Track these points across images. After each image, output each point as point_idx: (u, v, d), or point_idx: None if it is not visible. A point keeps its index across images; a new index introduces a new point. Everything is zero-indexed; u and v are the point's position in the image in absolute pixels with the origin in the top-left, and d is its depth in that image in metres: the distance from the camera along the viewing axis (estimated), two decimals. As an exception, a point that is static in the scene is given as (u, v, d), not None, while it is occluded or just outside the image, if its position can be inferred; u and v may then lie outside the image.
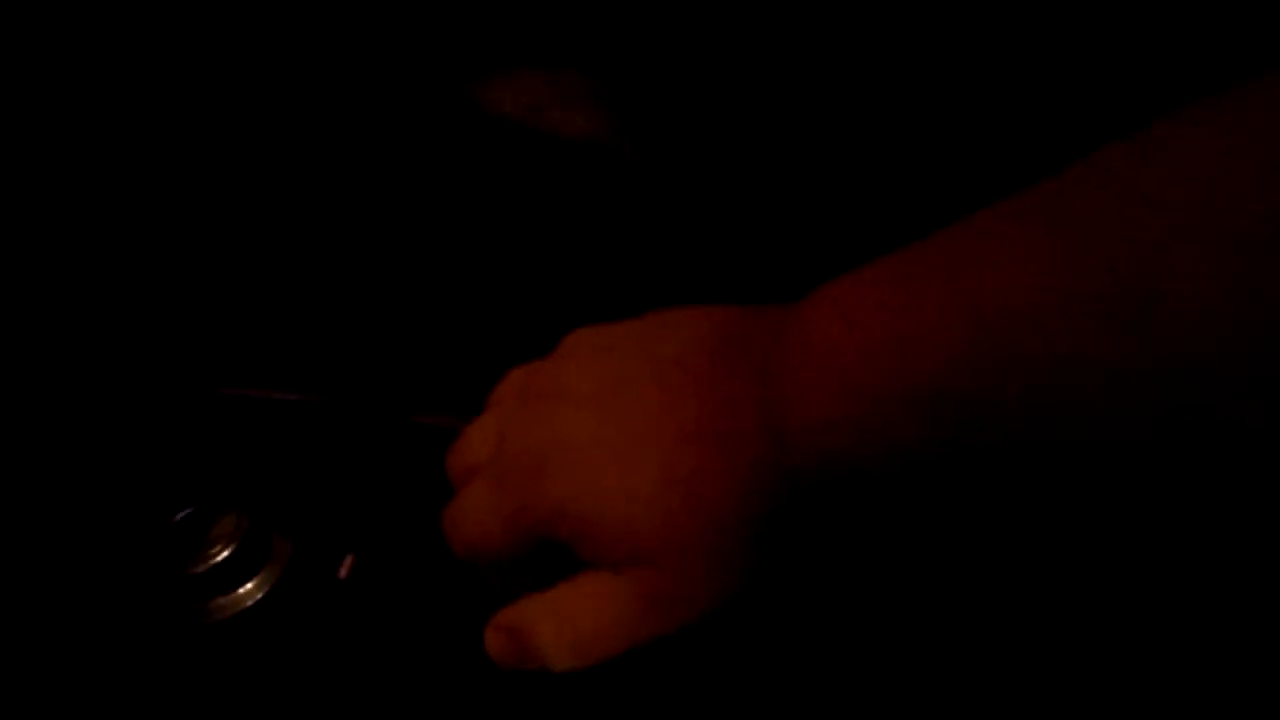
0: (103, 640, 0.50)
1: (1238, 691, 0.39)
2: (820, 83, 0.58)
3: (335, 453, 0.59)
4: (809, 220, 0.60)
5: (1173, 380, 0.22)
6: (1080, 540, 0.45)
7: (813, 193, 0.61)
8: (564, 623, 0.35)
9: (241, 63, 0.65)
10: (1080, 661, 0.43)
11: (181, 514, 0.51)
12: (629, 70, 0.67)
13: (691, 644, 0.44)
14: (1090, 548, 0.42)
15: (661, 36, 0.62)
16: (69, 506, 0.55)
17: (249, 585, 0.52)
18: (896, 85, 0.57)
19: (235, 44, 0.64)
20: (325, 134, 0.65)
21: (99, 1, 0.61)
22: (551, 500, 0.34)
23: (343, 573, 0.53)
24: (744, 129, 0.64)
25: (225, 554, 0.49)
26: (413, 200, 0.65)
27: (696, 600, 0.33)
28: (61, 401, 0.59)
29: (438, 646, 0.50)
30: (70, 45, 0.62)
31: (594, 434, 0.34)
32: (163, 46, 0.64)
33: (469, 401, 0.49)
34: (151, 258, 0.64)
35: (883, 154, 0.58)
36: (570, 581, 0.35)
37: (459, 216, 0.64)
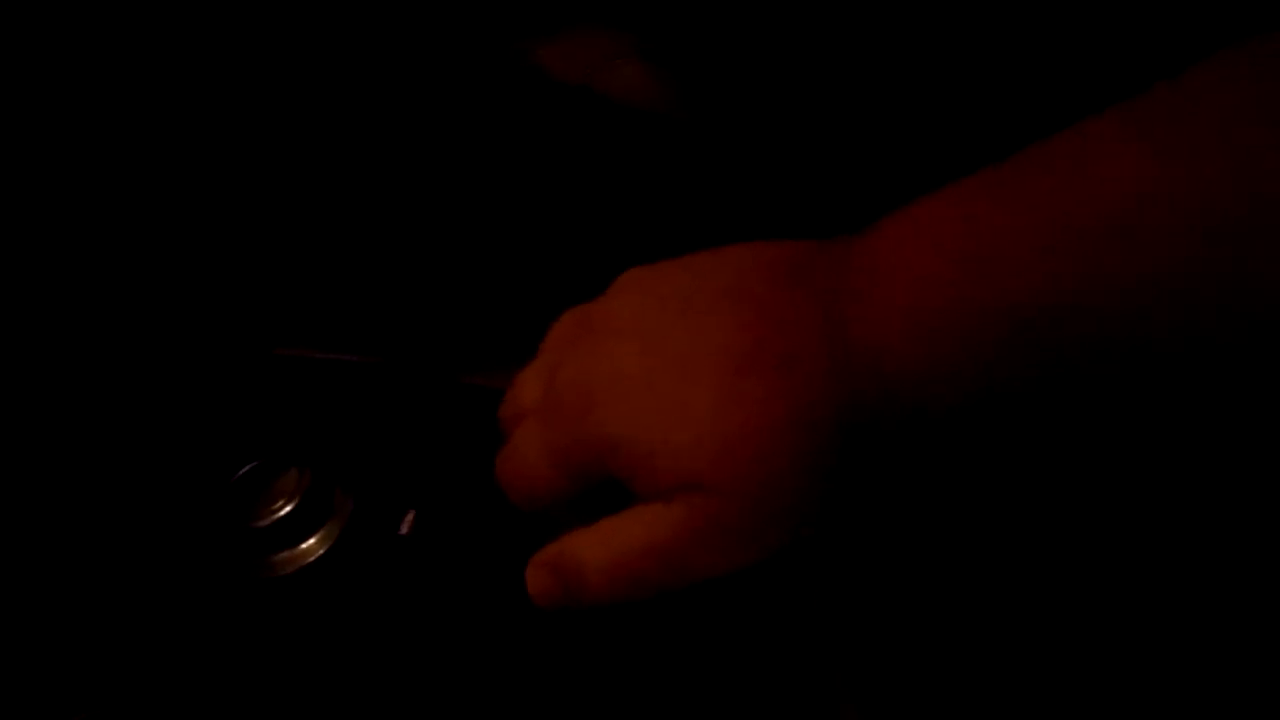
0: (167, 593, 0.51)
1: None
2: (868, 45, 0.56)
3: (392, 412, 0.59)
4: (858, 180, 0.58)
5: (1275, 294, 0.21)
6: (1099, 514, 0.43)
7: (859, 154, 0.59)
8: (608, 547, 0.33)
9: (298, 27, 0.64)
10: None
11: (244, 469, 0.52)
12: (679, 28, 0.65)
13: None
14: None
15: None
16: (132, 463, 0.57)
17: (311, 540, 0.52)
18: (940, 55, 0.55)
19: (293, 8, 0.64)
20: (380, 97, 0.64)
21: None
22: (602, 432, 0.32)
23: (404, 529, 0.54)
24: (794, 90, 0.62)
25: (288, 509, 0.50)
26: (466, 164, 0.64)
27: (750, 536, 0.31)
28: (124, 361, 0.61)
29: (497, 604, 0.50)
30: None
31: (645, 363, 0.32)
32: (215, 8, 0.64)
33: (520, 361, 0.49)
34: (209, 222, 0.64)
35: (930, 115, 0.56)
36: (619, 514, 0.33)
37: (512, 180, 0.64)
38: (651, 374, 0.32)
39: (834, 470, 0.30)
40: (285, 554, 0.52)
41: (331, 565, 0.52)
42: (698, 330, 0.32)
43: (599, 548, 0.34)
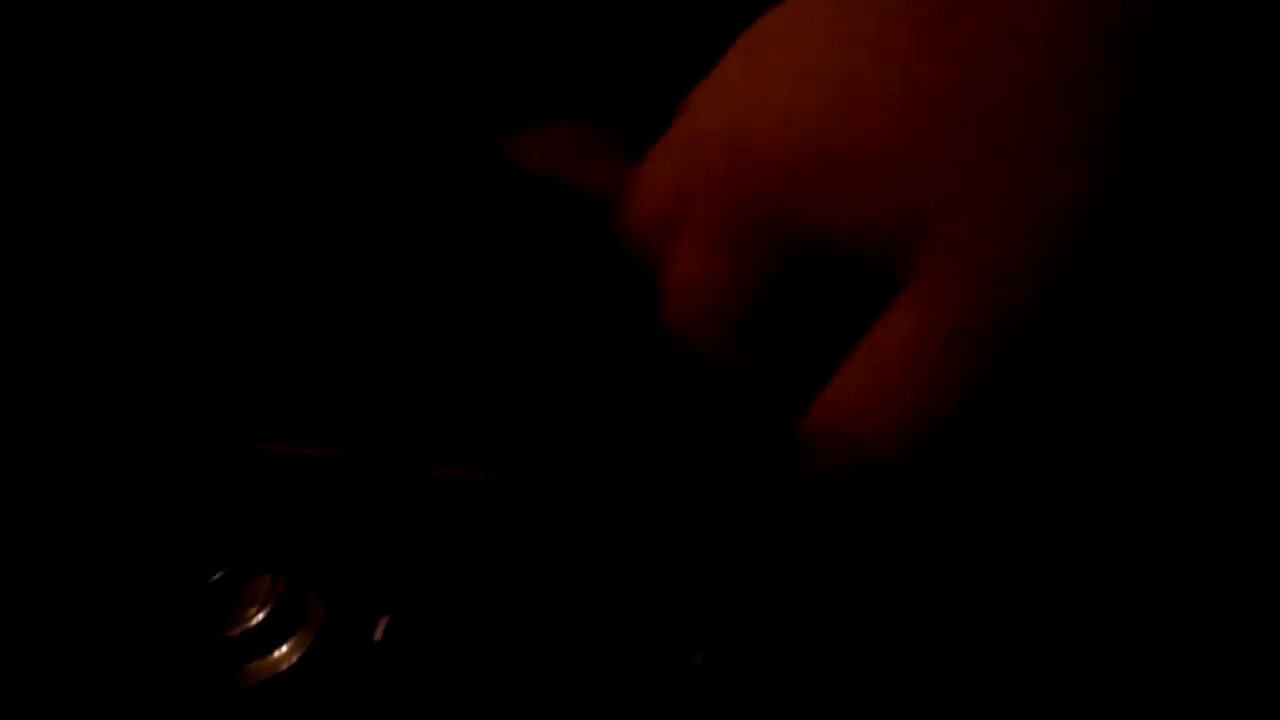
0: (137, 705, 0.50)
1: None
2: None
3: (364, 509, 0.58)
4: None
5: None
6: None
7: None
8: (889, 398, 0.23)
9: (265, 100, 0.66)
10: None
11: (218, 574, 0.51)
12: (654, 119, 0.68)
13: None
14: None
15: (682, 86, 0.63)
16: (101, 565, 0.55)
17: (283, 649, 0.51)
18: None
19: (257, 74, 0.66)
20: (352, 187, 0.66)
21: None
22: (791, 178, 0.23)
23: (378, 635, 0.53)
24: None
25: (260, 616, 0.48)
26: (439, 254, 0.66)
27: (1033, 298, 0.21)
28: (91, 458, 0.60)
29: (476, 709, 0.50)
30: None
31: (833, 76, 0.23)
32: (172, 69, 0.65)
33: (492, 454, 0.48)
34: (180, 310, 0.65)
35: None
36: (865, 341, 0.24)
37: (484, 270, 0.65)
38: (849, 85, 0.22)
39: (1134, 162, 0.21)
40: (256, 663, 0.51)
41: (303, 674, 0.51)
42: (890, 19, 0.22)
43: (877, 407, 0.24)
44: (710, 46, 0.29)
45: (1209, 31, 0.20)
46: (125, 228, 0.66)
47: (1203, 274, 0.25)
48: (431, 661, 0.51)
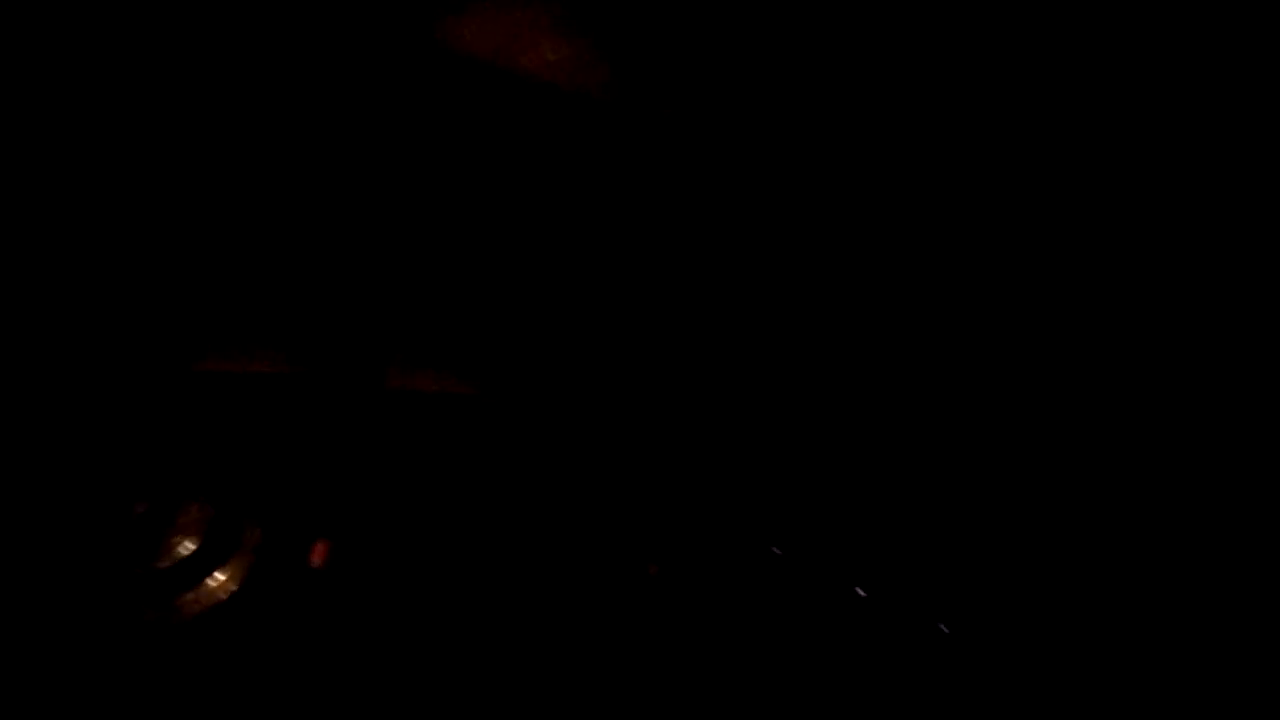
0: (68, 646, 0.47)
1: (1238, 691, 0.43)
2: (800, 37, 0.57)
3: (305, 429, 0.55)
4: (785, 167, 0.59)
5: None
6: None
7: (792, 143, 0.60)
8: None
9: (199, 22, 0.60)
10: (1080, 661, 0.47)
11: (143, 505, 0.48)
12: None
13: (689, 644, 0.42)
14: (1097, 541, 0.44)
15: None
16: (21, 502, 0.51)
17: (218, 579, 0.48)
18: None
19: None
20: (287, 88, 0.61)
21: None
22: None
23: (316, 560, 0.51)
24: (717, 68, 0.61)
25: (190, 546, 0.45)
26: (381, 154, 0.61)
27: None
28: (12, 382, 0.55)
29: (421, 637, 0.48)
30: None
31: None
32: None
33: (451, 363, 0.47)
34: (117, 230, 0.60)
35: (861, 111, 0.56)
36: None
37: (429, 169, 0.61)
38: None
39: None
40: (191, 595, 0.48)
41: (241, 604, 0.48)
42: None
43: None
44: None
45: None
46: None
47: None
48: (377, 585, 0.50)
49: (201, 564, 0.51)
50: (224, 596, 0.54)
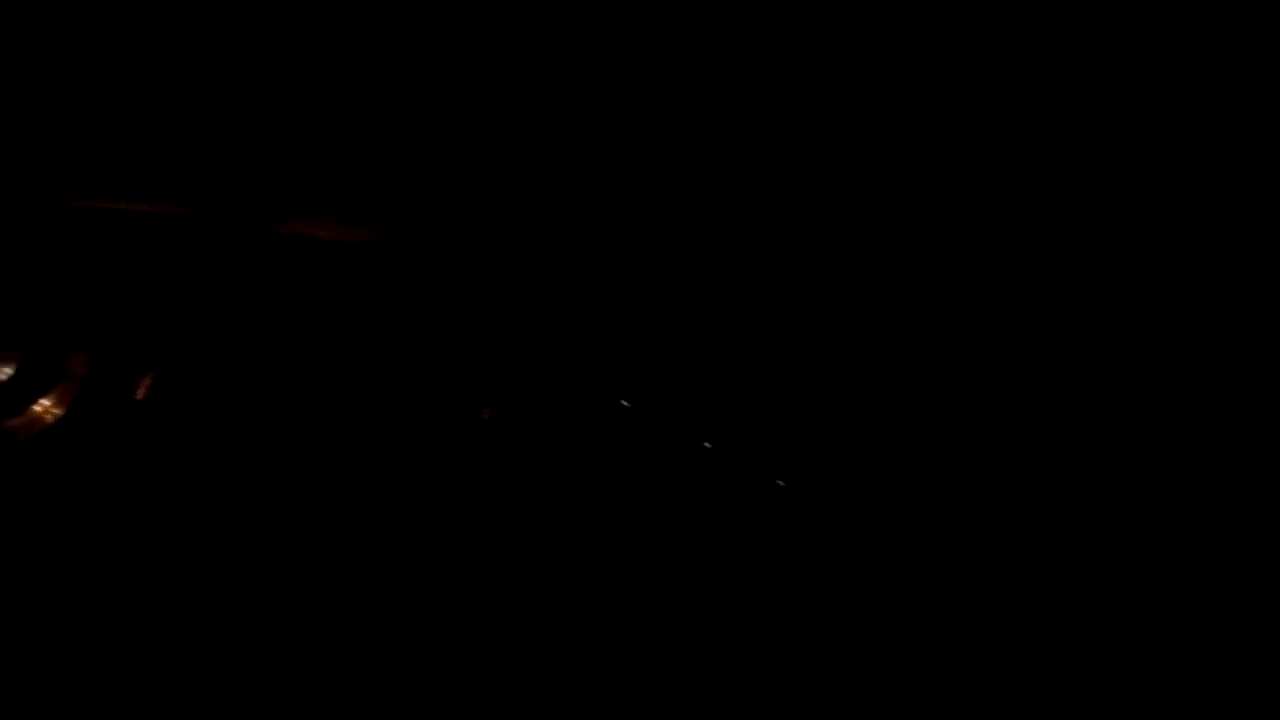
0: None
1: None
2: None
3: (193, 266, 0.65)
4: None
5: None
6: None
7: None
8: None
9: None
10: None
11: None
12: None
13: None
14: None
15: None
16: None
17: (43, 404, 0.61)
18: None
19: None
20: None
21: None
22: None
23: (140, 393, 0.64)
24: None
25: (6, 372, 0.56)
26: None
27: None
28: None
29: (249, 465, 0.62)
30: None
31: None
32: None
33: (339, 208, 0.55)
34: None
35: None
36: None
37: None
38: None
39: None
40: (15, 420, 0.61)
41: (64, 432, 0.62)
42: None
43: None
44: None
45: None
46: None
47: None
48: (200, 423, 0.64)
49: (23, 391, 0.57)
50: (50, 421, 0.60)
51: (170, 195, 0.59)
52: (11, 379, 0.60)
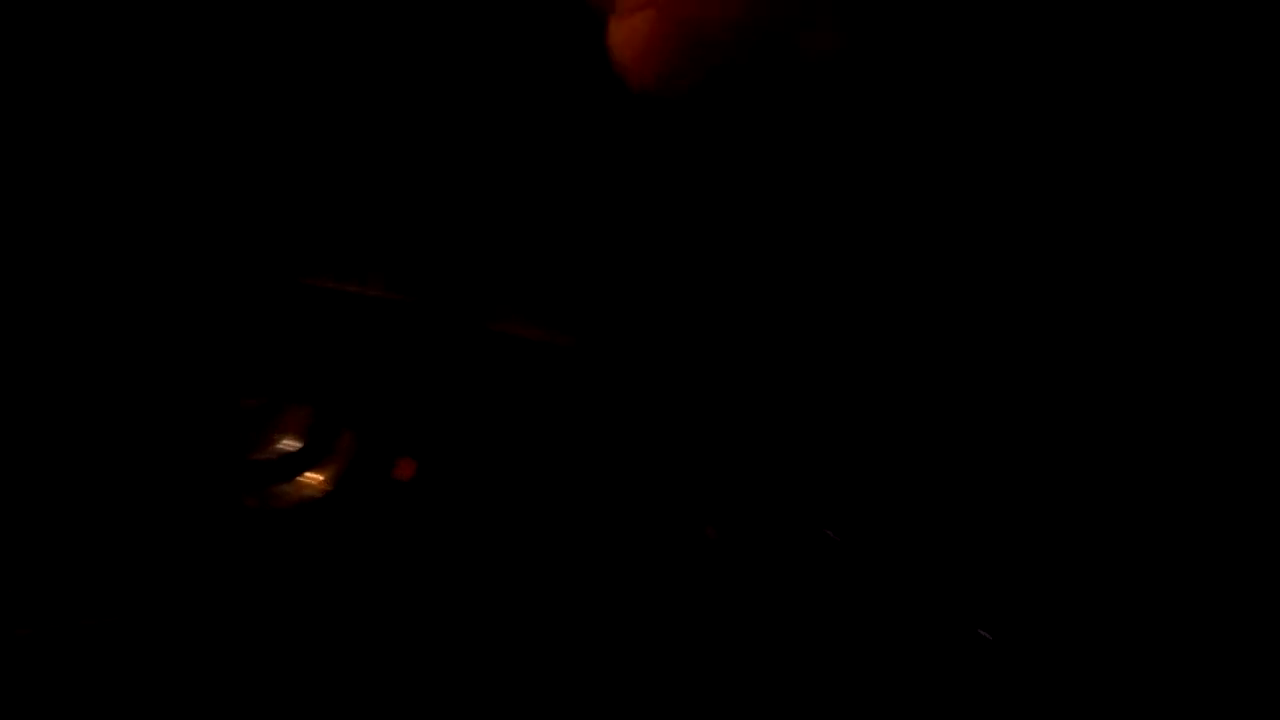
0: (164, 516, 0.57)
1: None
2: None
3: (414, 354, 0.61)
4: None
5: None
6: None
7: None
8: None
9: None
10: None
11: (250, 401, 0.57)
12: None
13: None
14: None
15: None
16: (143, 386, 0.64)
17: (311, 478, 0.55)
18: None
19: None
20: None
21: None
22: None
23: (404, 474, 0.57)
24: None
25: (290, 444, 0.53)
26: (489, 90, 0.65)
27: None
28: (139, 281, 0.70)
29: (490, 561, 0.53)
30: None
31: None
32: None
33: (552, 314, 0.54)
34: (237, 144, 0.74)
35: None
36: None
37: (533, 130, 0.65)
38: None
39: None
40: (286, 488, 0.55)
41: (329, 504, 0.55)
42: None
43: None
44: None
45: None
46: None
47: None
48: (452, 509, 0.55)
49: (300, 462, 0.57)
50: (317, 494, 0.58)
51: (396, 282, 0.58)
52: (296, 452, 0.60)
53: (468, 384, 0.55)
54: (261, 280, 0.59)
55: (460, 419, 0.54)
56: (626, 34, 0.50)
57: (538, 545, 0.47)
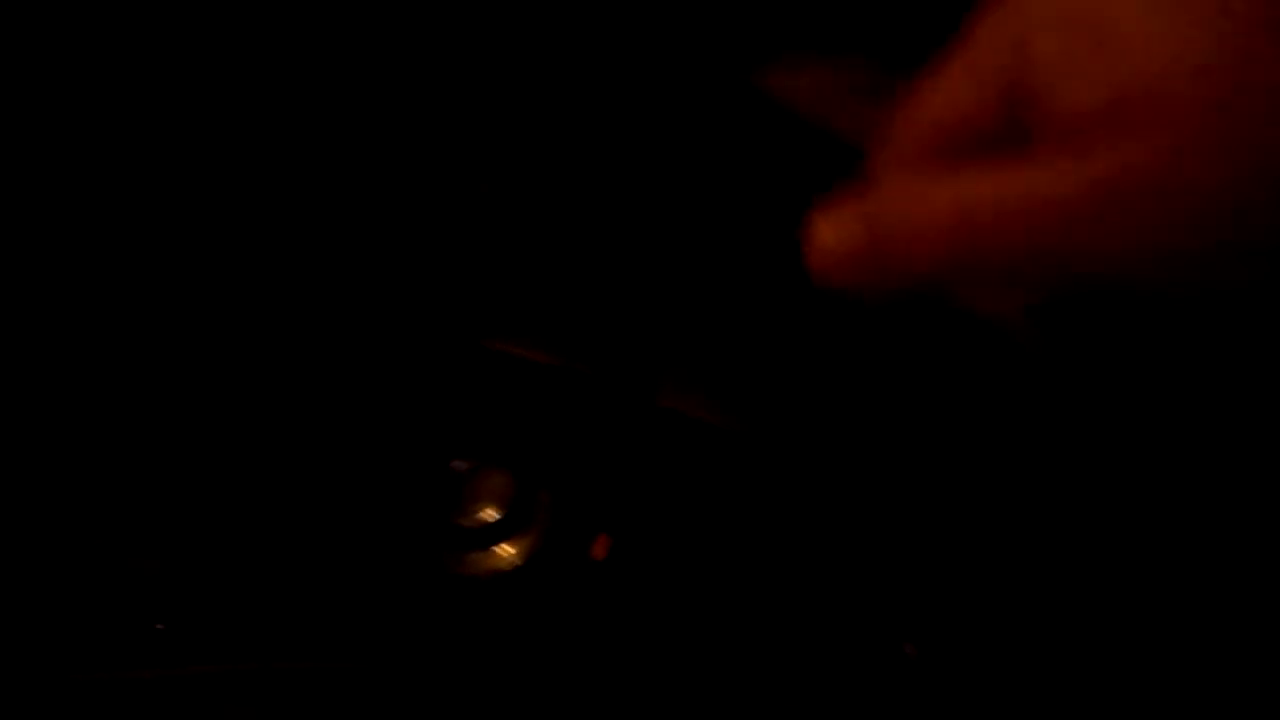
0: (359, 574, 0.51)
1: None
2: None
3: (591, 424, 0.61)
4: None
5: None
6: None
7: None
8: (963, 192, 0.24)
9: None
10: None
11: (460, 463, 0.51)
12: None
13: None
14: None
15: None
16: (344, 445, 0.56)
17: (507, 549, 0.50)
18: None
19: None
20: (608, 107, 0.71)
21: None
22: (1014, 40, 0.24)
23: (598, 553, 0.57)
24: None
25: (494, 511, 0.49)
26: (690, 178, 0.66)
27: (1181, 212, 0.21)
28: (339, 347, 0.60)
29: (679, 650, 0.49)
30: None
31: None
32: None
33: (722, 399, 0.58)
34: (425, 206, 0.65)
35: None
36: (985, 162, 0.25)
37: (736, 201, 0.63)
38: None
39: None
40: (480, 556, 0.50)
41: (522, 576, 0.51)
42: None
43: (947, 192, 0.25)
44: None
45: None
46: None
47: None
48: (645, 594, 0.54)
49: (498, 532, 0.53)
50: (508, 567, 0.54)
51: (564, 350, 0.54)
52: (496, 521, 0.54)
53: (645, 458, 0.50)
54: (461, 343, 0.56)
55: (652, 498, 0.48)
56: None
57: (723, 648, 0.44)
